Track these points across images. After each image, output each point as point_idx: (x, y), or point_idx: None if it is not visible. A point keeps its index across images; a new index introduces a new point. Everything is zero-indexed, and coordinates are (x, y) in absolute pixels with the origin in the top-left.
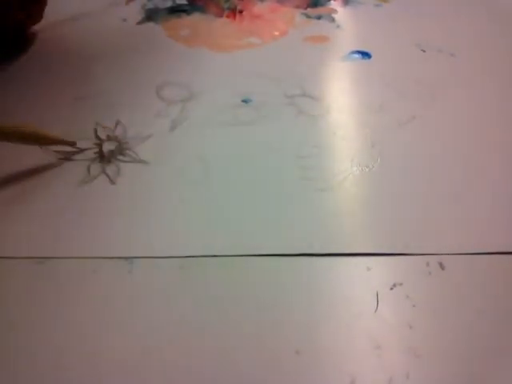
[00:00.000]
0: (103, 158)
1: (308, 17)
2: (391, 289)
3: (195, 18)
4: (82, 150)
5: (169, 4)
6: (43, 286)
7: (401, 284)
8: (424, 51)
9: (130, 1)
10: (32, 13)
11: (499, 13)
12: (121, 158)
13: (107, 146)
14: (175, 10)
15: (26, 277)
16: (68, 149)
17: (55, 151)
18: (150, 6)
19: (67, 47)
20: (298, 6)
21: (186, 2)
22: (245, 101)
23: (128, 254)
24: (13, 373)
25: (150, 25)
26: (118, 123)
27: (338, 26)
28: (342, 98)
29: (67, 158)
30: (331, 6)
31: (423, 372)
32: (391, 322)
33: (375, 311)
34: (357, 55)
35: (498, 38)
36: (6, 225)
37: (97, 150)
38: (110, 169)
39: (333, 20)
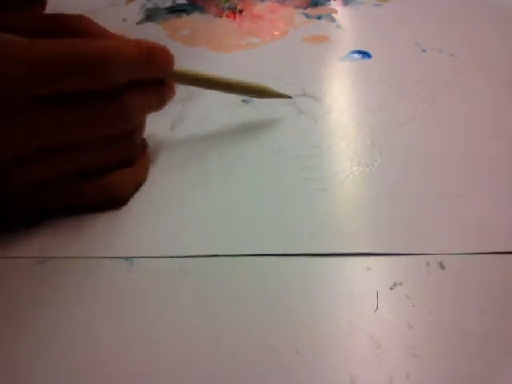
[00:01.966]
0: None
1: (308, 17)
2: (391, 289)
3: (195, 17)
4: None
5: (169, 4)
6: (43, 286)
7: (401, 284)
8: (424, 51)
9: (130, 1)
10: (31, 12)
11: (499, 13)
12: None
13: None
14: (175, 10)
15: (27, 276)
16: None
17: None
18: (150, 5)
19: None
20: (298, 6)
21: (185, 2)
22: (245, 101)
23: (128, 253)
24: (12, 373)
25: (150, 25)
26: None
27: (337, 26)
28: (341, 98)
29: None
30: (331, 6)
31: (423, 372)
32: (391, 321)
33: (375, 311)
34: (357, 55)
35: (498, 38)
36: (7, 225)
37: None
38: None
39: (333, 20)
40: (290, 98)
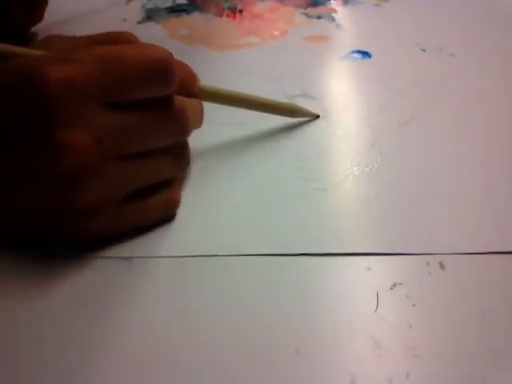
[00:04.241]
0: None
1: (308, 16)
2: (391, 289)
3: (195, 17)
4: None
5: (169, 4)
6: (42, 286)
7: (401, 284)
8: (424, 51)
9: (130, 0)
10: (33, 13)
11: (499, 13)
12: None
13: None
14: (175, 10)
15: (27, 276)
16: None
17: None
18: (150, 5)
19: None
20: (298, 6)
21: (185, 2)
22: None
23: (128, 253)
24: (11, 373)
25: (150, 24)
26: None
27: (337, 26)
28: (341, 98)
29: None
30: (331, 6)
31: (423, 372)
32: (391, 321)
33: (375, 311)
34: (357, 55)
35: (498, 38)
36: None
37: None
38: None
39: (333, 20)
40: (318, 116)
